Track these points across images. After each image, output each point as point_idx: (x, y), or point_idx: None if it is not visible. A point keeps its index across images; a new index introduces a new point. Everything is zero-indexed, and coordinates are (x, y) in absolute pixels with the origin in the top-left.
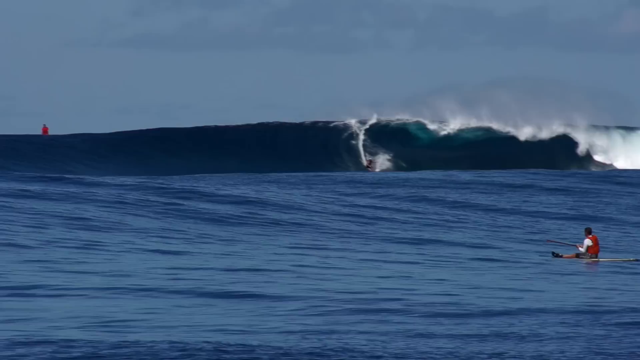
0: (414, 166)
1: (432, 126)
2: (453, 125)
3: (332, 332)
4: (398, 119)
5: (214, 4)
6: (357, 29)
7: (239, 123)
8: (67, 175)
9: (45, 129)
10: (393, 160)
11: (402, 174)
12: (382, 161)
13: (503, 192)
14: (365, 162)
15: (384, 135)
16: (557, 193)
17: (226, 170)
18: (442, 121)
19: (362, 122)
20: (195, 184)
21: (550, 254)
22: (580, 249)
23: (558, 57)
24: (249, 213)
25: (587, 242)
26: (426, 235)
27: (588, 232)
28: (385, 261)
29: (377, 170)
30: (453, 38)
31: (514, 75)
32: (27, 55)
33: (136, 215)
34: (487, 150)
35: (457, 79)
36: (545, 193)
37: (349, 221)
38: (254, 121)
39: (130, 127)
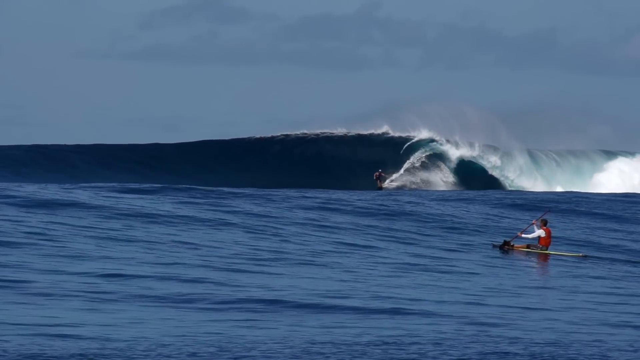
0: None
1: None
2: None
3: None
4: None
5: (223, 18)
6: (366, 46)
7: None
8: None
9: None
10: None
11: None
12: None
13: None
14: (375, 174)
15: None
16: None
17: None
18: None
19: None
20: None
21: (502, 242)
22: (522, 235)
23: (566, 79)
24: None
25: (541, 232)
26: None
27: (544, 223)
28: None
29: (385, 184)
30: (461, 57)
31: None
32: (37, 65)
33: None
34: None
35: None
36: None
37: None
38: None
39: (137, 140)
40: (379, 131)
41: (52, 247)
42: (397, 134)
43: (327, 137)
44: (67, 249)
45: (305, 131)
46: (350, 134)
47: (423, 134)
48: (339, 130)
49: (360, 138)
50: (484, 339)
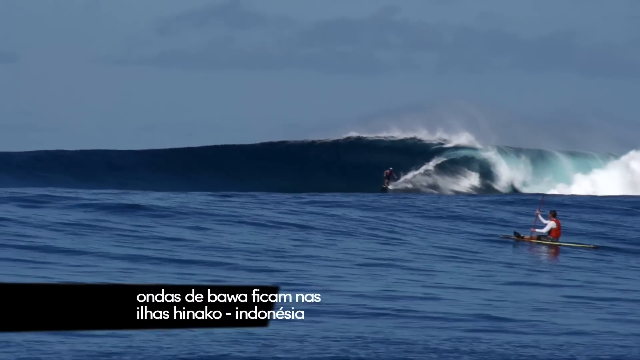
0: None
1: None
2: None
3: None
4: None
5: (239, 23)
6: (382, 50)
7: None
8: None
9: None
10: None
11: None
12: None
13: None
14: (386, 172)
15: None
16: None
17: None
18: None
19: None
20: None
21: (513, 233)
22: (535, 231)
23: (584, 82)
24: None
25: (552, 224)
26: None
27: (553, 214)
28: None
29: (392, 186)
30: (478, 61)
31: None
32: (54, 71)
33: None
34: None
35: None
36: None
37: None
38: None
39: (155, 145)
40: (412, 135)
41: (69, 243)
42: (430, 138)
43: (351, 141)
44: (71, 243)
45: (331, 137)
46: (379, 138)
47: (460, 139)
48: (369, 135)
49: (391, 142)
50: (496, 336)
